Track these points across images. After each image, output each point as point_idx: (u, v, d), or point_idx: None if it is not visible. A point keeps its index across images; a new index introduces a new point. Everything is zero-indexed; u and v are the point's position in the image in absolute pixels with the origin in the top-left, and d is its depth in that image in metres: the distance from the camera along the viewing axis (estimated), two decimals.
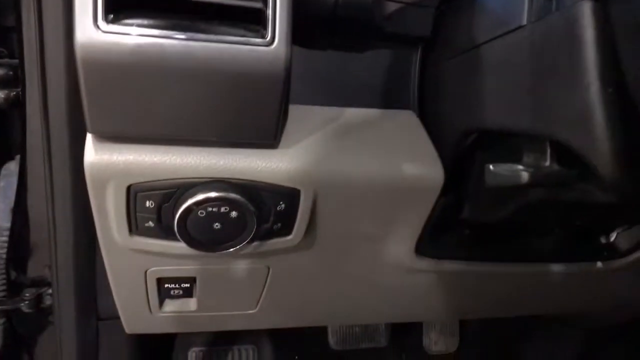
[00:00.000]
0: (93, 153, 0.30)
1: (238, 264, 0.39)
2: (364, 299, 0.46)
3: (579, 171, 0.28)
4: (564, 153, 0.28)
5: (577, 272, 0.47)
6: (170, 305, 0.42)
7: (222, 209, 0.32)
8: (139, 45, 0.26)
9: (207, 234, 0.33)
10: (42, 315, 0.54)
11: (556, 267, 0.46)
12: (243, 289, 0.42)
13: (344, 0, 0.33)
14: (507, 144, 0.33)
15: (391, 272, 0.43)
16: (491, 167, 0.31)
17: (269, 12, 0.27)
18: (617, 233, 0.47)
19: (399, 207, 0.37)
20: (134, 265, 0.37)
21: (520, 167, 0.29)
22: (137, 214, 0.32)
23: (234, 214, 0.32)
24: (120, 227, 0.33)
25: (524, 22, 0.27)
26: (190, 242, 0.33)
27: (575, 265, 0.46)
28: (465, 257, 0.42)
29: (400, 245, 0.40)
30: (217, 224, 0.32)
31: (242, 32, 0.27)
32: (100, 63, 0.26)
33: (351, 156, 0.35)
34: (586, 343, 0.81)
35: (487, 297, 0.50)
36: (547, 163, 0.29)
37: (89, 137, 0.30)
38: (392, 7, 0.36)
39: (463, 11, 0.33)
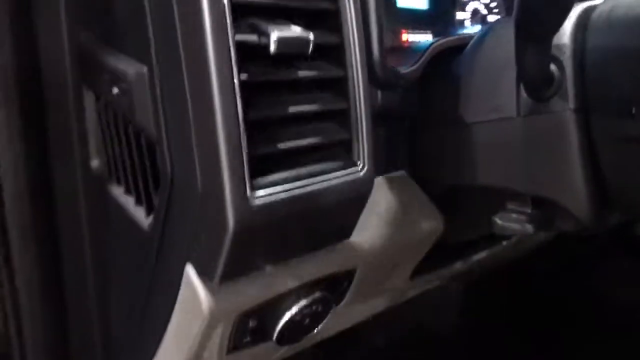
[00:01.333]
0: (212, 299, 0.30)
1: None
2: None
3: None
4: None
5: None
6: None
7: (313, 308, 0.35)
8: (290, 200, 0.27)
9: (299, 332, 0.36)
10: None
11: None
12: None
13: None
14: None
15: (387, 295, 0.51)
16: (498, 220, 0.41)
17: (359, 143, 0.31)
18: None
19: (407, 256, 0.45)
20: None
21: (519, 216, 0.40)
22: (237, 333, 0.34)
23: (320, 308, 0.36)
24: (220, 349, 0.34)
25: (514, 114, 0.37)
26: (284, 342, 0.36)
27: None
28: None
29: (400, 278, 0.49)
30: (307, 320, 0.36)
31: (341, 164, 0.31)
32: (253, 229, 0.27)
33: (382, 225, 0.41)
34: None
35: None
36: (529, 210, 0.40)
37: (198, 281, 0.30)
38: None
39: (450, 89, 0.41)
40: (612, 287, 1.09)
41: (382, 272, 0.44)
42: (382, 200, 0.43)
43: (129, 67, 0.29)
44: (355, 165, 0.31)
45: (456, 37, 0.45)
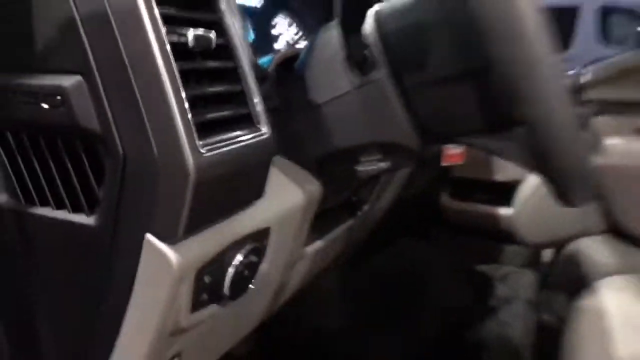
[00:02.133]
0: (177, 255, 0.36)
1: None
2: None
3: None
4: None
5: None
6: None
7: (249, 259, 0.44)
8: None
9: (242, 284, 0.44)
10: None
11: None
12: None
13: None
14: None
15: None
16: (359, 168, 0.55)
17: (258, 116, 0.42)
18: None
19: (301, 218, 0.56)
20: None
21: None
22: (196, 290, 0.40)
23: (254, 258, 0.44)
24: (185, 308, 0.39)
25: (349, 89, 0.52)
26: (234, 295, 0.43)
27: None
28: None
29: (299, 240, 0.59)
30: (246, 271, 0.44)
31: (252, 131, 0.41)
32: (206, 180, 0.35)
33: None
34: None
35: None
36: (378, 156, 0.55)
37: (161, 244, 0.36)
38: None
39: (299, 83, 0.54)
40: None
41: (289, 232, 0.54)
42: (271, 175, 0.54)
43: (63, 81, 0.35)
44: (260, 131, 0.42)
45: (289, 50, 0.60)
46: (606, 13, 5.78)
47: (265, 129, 0.42)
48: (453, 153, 0.85)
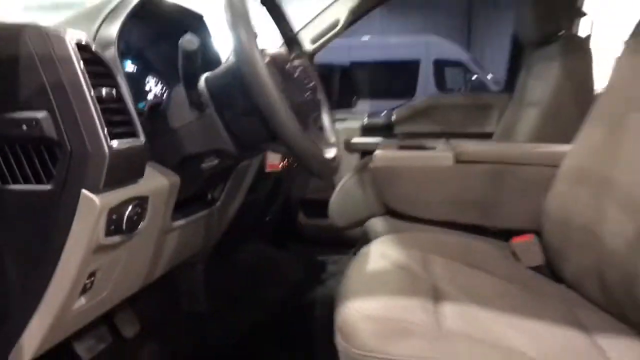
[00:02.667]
0: (99, 199, 0.72)
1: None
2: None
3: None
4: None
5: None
6: None
7: (137, 209, 0.80)
8: None
9: (134, 224, 0.80)
10: None
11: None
12: None
13: None
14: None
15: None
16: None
17: (136, 126, 0.80)
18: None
19: (166, 199, 0.93)
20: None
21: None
22: (108, 222, 0.75)
23: (139, 209, 0.81)
24: (102, 233, 0.74)
25: (192, 119, 0.92)
26: (128, 230, 0.79)
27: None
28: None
29: (167, 217, 0.96)
30: (135, 216, 0.80)
31: (133, 136, 0.78)
32: (114, 158, 0.72)
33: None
34: None
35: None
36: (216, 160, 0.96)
37: (90, 194, 0.71)
38: None
39: (163, 116, 0.93)
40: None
41: (159, 203, 0.90)
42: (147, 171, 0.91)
43: (37, 114, 0.70)
44: (140, 139, 0.79)
45: (156, 99, 0.99)
46: (440, 65, 7.03)
47: (142, 138, 0.80)
48: (272, 162, 1.29)
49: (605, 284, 0.93)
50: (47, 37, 0.69)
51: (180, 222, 1.04)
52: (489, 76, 6.88)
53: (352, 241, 1.61)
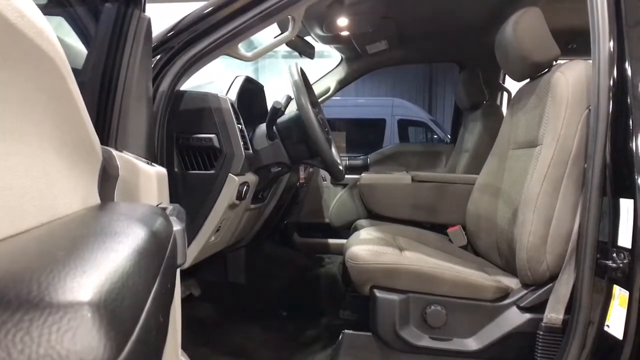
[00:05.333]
0: (237, 180, 1.44)
1: None
2: None
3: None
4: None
5: None
6: None
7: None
8: None
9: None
10: None
11: None
12: None
13: None
14: None
15: None
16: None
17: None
18: None
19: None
20: None
21: None
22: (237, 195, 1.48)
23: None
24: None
25: (267, 145, 1.67)
26: None
27: None
28: None
29: None
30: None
31: None
32: None
33: None
34: None
35: None
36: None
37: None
38: None
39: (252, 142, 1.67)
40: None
41: (250, 191, 1.63)
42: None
43: (210, 135, 1.43)
44: (249, 150, 1.53)
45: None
46: (404, 124, 8.08)
47: (251, 151, 1.54)
48: (301, 177, 2.05)
49: (500, 252, 1.69)
50: (217, 98, 1.45)
51: (252, 206, 1.76)
52: (449, 135, 7.90)
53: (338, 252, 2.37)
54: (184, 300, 1.94)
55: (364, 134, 7.70)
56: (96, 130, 0.50)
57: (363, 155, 3.35)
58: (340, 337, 1.53)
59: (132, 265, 0.31)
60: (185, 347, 1.74)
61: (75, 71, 0.42)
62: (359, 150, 3.54)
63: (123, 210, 0.46)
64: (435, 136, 7.98)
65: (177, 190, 1.45)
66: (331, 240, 2.66)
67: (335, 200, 2.35)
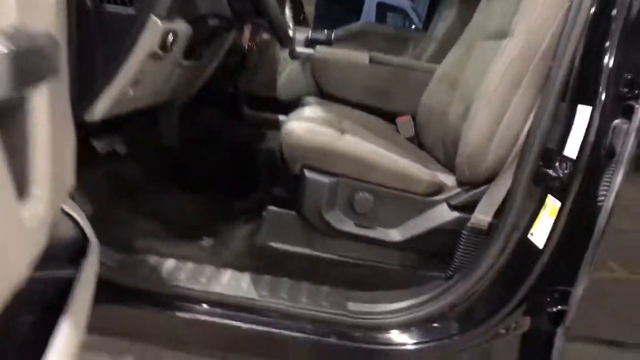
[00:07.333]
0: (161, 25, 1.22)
1: None
2: None
3: None
4: None
5: None
6: None
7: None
8: None
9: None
10: None
11: None
12: None
13: None
14: None
15: None
16: None
17: None
18: None
19: None
20: None
21: None
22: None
23: None
24: None
25: None
26: None
27: None
28: None
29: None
30: None
31: None
32: None
33: None
34: None
35: None
36: None
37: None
38: None
39: None
40: None
41: (180, 42, 1.41)
42: None
43: None
44: None
45: None
46: (382, 8, 7.58)
47: None
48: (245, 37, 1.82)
49: (445, 147, 1.60)
50: None
51: (185, 62, 1.55)
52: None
53: None
54: (106, 157, 1.79)
55: (338, 12, 7.20)
56: None
57: (328, 31, 3.08)
58: (264, 213, 1.45)
59: None
60: (108, 209, 1.62)
61: None
62: (329, 27, 3.26)
63: None
64: (414, 26, 7.57)
65: (90, 28, 1.22)
66: (282, 117, 2.49)
67: (286, 73, 2.15)
